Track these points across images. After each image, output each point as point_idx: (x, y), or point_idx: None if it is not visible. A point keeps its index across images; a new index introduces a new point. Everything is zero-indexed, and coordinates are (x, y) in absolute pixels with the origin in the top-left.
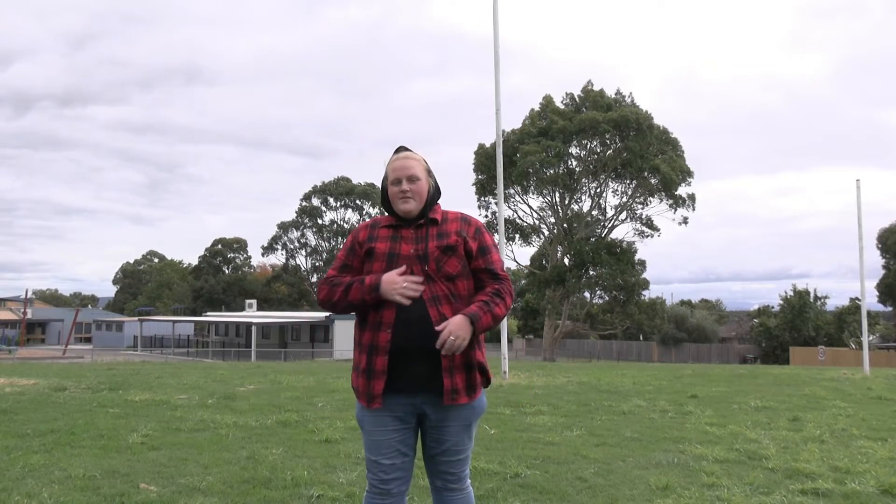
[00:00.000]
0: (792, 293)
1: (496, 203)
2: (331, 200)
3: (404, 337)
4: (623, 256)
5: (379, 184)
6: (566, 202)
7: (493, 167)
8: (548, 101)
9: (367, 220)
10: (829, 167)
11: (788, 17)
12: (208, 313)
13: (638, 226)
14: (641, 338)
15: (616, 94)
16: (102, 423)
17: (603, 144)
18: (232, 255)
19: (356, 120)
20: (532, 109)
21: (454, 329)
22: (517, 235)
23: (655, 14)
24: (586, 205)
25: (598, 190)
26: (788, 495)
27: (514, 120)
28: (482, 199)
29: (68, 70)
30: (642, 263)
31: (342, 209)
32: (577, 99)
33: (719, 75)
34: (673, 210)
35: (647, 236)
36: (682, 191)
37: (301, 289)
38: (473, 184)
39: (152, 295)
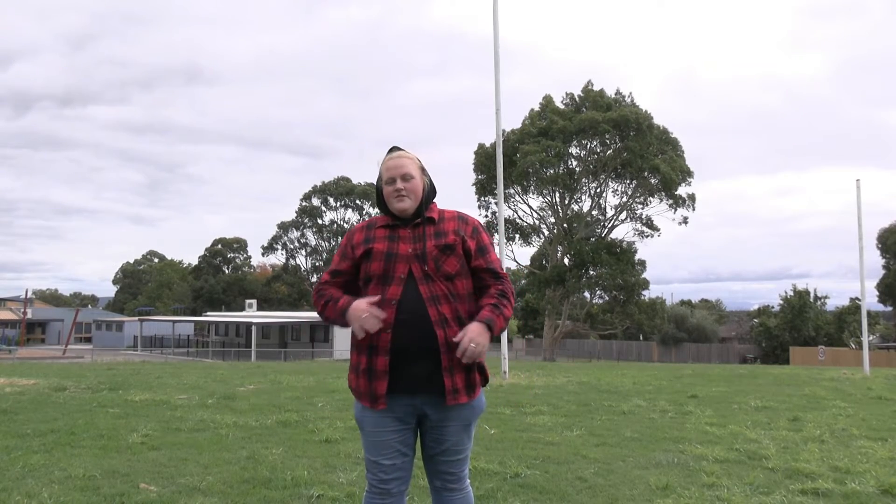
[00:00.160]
0: (792, 293)
1: (496, 203)
2: (331, 200)
3: (404, 337)
4: (623, 256)
5: None
6: (566, 202)
7: (493, 167)
8: (548, 101)
9: (364, 220)
10: (829, 167)
11: (788, 17)
12: (208, 313)
13: (638, 226)
14: (641, 338)
15: (616, 94)
16: (102, 423)
17: (603, 144)
18: (232, 255)
19: (356, 120)
20: (532, 109)
21: (474, 336)
22: (517, 235)
23: (655, 14)
24: (586, 205)
25: (598, 190)
26: (788, 495)
27: (514, 120)
28: (482, 199)
29: (68, 70)
30: (642, 263)
31: (342, 209)
32: (577, 99)
33: (719, 75)
34: (673, 210)
35: (647, 236)
36: (682, 191)
37: (301, 289)
38: (473, 184)
39: (152, 295)
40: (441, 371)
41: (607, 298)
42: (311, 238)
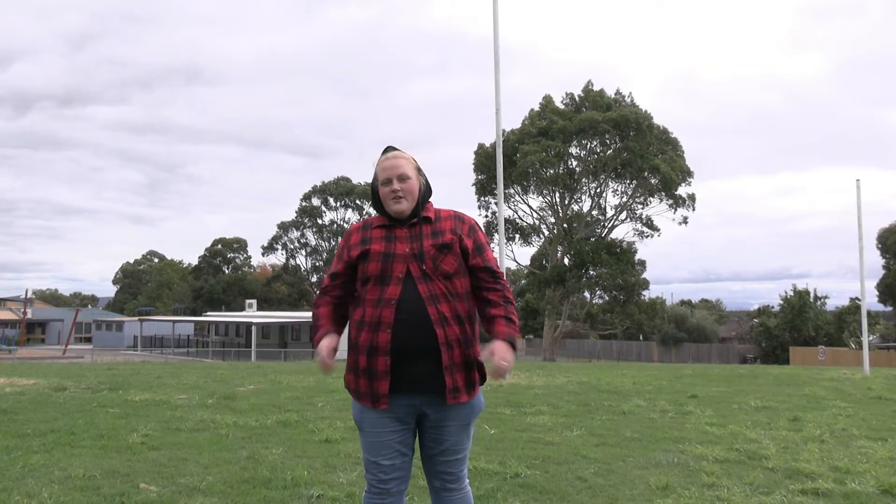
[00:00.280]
0: (792, 293)
1: (496, 203)
2: (331, 200)
3: (404, 337)
4: (623, 256)
5: None
6: (566, 202)
7: (493, 167)
8: (548, 101)
9: (359, 221)
10: (829, 167)
11: (788, 17)
12: (208, 313)
13: (638, 226)
14: (641, 338)
15: (616, 94)
16: (102, 423)
17: (603, 144)
18: (232, 255)
19: (356, 120)
20: (532, 109)
21: (504, 355)
22: (517, 235)
23: (655, 14)
24: (586, 205)
25: (598, 190)
26: (788, 495)
27: (514, 120)
28: (482, 199)
29: (68, 70)
30: (642, 263)
31: (342, 209)
32: (577, 99)
33: (719, 75)
34: (673, 210)
35: (647, 236)
36: (682, 191)
37: (301, 289)
38: (473, 184)
39: (152, 295)
40: (441, 370)
41: (607, 298)
42: (311, 238)
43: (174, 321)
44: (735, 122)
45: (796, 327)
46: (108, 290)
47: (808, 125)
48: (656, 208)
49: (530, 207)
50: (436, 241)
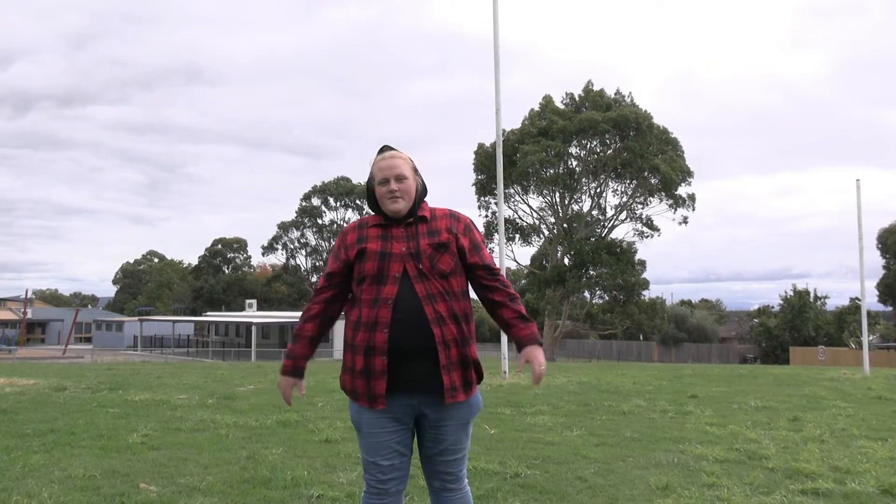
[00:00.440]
0: (792, 293)
1: (496, 203)
2: (331, 200)
3: (401, 336)
4: (623, 256)
5: None
6: (566, 202)
7: (493, 167)
8: (548, 101)
9: (355, 220)
10: (829, 167)
11: (788, 17)
12: (208, 313)
13: (638, 226)
14: (641, 338)
15: (616, 94)
16: (102, 423)
17: (603, 144)
18: (232, 255)
19: (356, 120)
20: (532, 109)
21: (542, 360)
22: (517, 235)
23: (655, 14)
24: (586, 205)
25: (598, 190)
26: (788, 495)
27: (514, 120)
28: (482, 199)
29: (68, 70)
30: (642, 263)
31: (342, 209)
32: (577, 99)
33: (719, 75)
34: (673, 210)
35: (647, 236)
36: (682, 191)
37: (301, 289)
38: (473, 184)
39: (152, 295)
40: (439, 370)
41: (607, 298)
42: (311, 238)
43: (174, 321)
44: (735, 122)
45: (796, 327)
46: (108, 290)
47: (808, 125)
48: (656, 208)
49: (530, 207)
50: (432, 241)
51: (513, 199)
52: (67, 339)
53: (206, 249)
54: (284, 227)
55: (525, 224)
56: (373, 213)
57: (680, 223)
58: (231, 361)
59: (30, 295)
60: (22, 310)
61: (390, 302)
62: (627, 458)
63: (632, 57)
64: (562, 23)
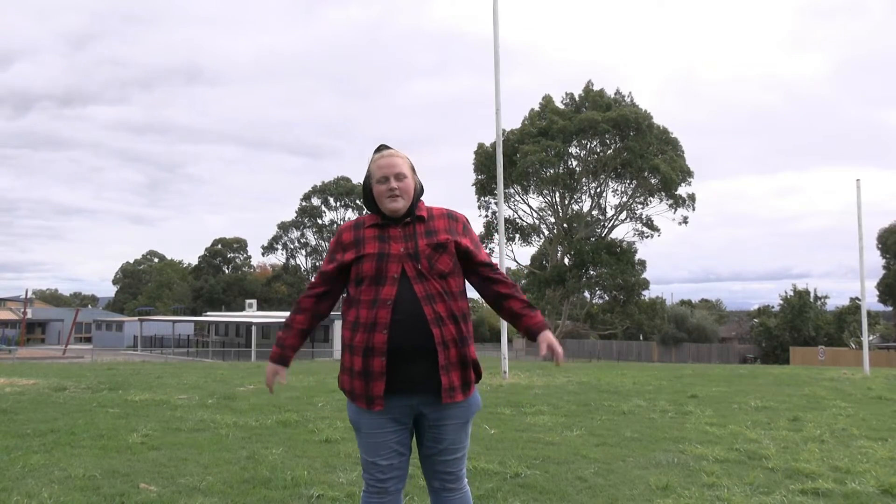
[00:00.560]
0: (792, 293)
1: (496, 203)
2: (331, 200)
3: (400, 337)
4: (623, 256)
5: None
6: (566, 202)
7: (493, 167)
8: (548, 101)
9: (351, 219)
10: (829, 167)
11: (788, 17)
12: (208, 313)
13: (638, 226)
14: (641, 338)
15: (616, 94)
16: (102, 423)
17: (603, 144)
18: (232, 255)
19: (356, 120)
20: (532, 109)
21: (555, 342)
22: (517, 235)
23: (655, 14)
24: (586, 205)
25: (598, 190)
26: (788, 495)
27: (514, 120)
28: (482, 198)
29: (68, 70)
30: (642, 263)
31: (342, 209)
32: (577, 99)
33: (719, 75)
34: (673, 210)
35: (647, 236)
36: (682, 191)
37: (301, 289)
38: (473, 184)
39: (152, 295)
40: (437, 370)
41: (607, 298)
42: (311, 238)
43: (174, 321)
44: (735, 122)
45: (796, 327)
46: (108, 290)
47: (808, 125)
48: (656, 208)
49: (530, 207)
50: (430, 241)
51: (513, 199)
52: (67, 339)
53: (206, 249)
54: (284, 227)
55: (525, 224)
56: (369, 213)
57: (680, 223)
58: (231, 361)
59: (30, 295)
60: (22, 310)
61: (389, 303)
62: (627, 458)
63: (632, 57)
64: (562, 23)
